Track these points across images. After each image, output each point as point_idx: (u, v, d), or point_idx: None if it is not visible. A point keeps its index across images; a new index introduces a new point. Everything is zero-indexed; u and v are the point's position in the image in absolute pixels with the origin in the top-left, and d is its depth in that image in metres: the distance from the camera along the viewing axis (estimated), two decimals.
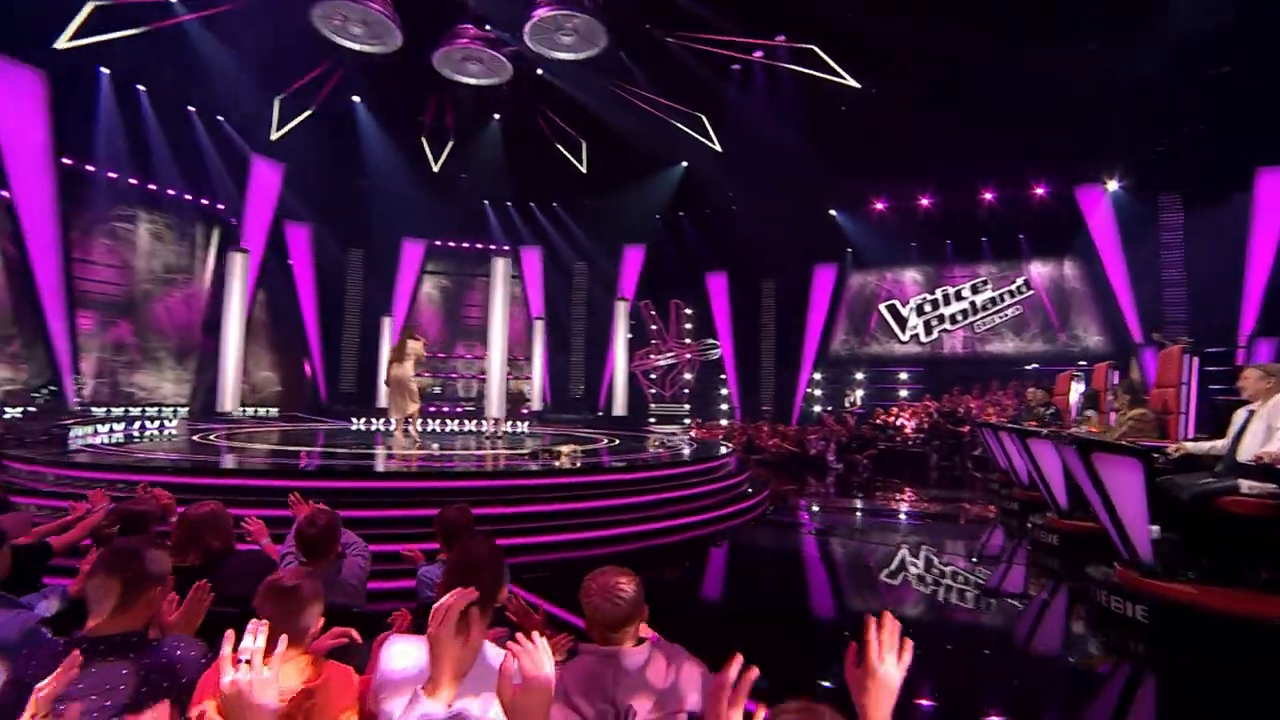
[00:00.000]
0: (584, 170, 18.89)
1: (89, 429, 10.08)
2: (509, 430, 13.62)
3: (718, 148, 17.07)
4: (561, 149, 18.01)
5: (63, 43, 12.62)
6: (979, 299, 17.82)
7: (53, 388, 13.95)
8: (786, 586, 5.67)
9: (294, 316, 19.16)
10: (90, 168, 15.56)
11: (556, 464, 7.41)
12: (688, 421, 19.63)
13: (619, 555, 5.68)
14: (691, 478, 7.37)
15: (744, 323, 20.40)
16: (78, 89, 13.70)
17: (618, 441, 11.42)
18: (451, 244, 21.58)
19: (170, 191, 16.91)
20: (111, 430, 10.70)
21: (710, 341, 20.62)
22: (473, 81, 13.91)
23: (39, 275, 13.27)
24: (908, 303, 18.67)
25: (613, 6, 12.13)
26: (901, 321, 18.68)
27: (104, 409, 15.48)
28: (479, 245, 21.77)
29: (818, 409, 18.87)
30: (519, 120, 16.91)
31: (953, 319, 18.08)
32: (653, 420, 20.37)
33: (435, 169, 18.71)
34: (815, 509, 9.42)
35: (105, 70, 14.22)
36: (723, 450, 9.43)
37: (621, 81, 14.82)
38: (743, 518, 7.55)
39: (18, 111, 12.80)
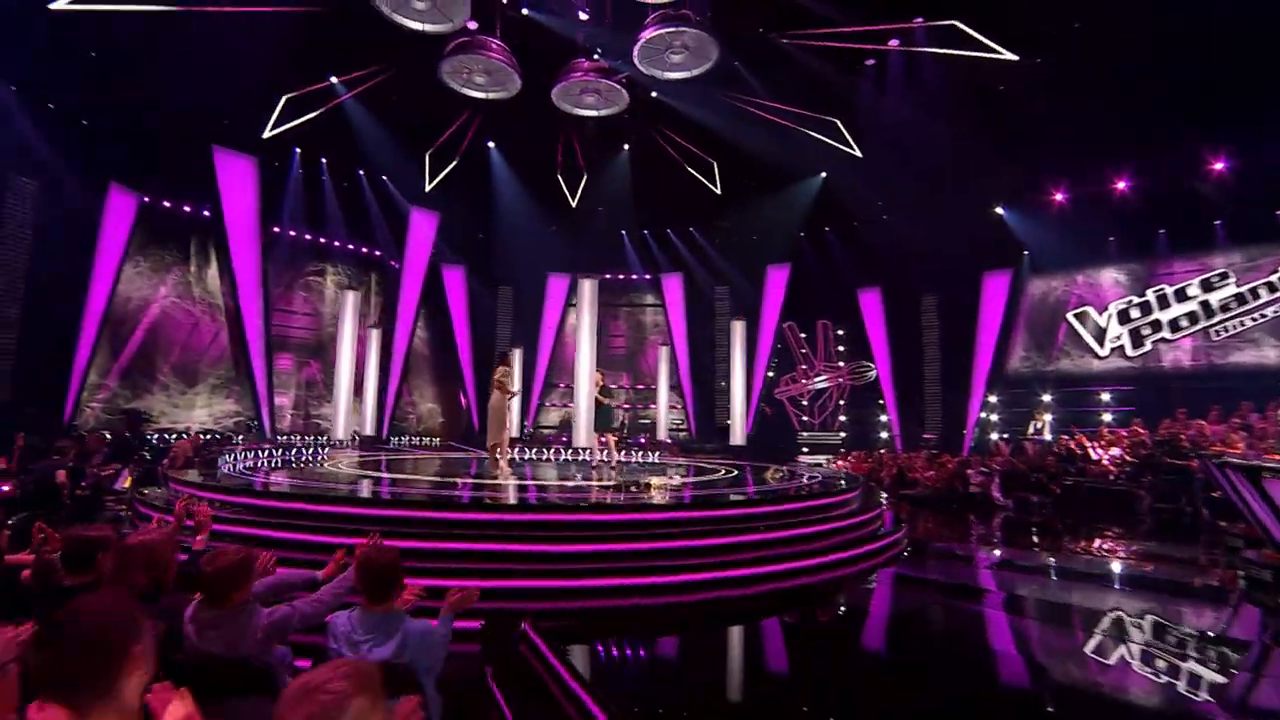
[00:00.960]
0: (718, 191, 18.37)
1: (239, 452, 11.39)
2: (625, 461, 13.25)
3: (857, 153, 15.65)
4: (692, 171, 17.67)
5: (267, 132, 14.90)
6: (1215, 298, 14.17)
7: (254, 420, 16.26)
8: (878, 675, 4.05)
9: (450, 352, 20.71)
10: (292, 232, 18.21)
11: (644, 497, 6.79)
12: (840, 450, 17.92)
13: (668, 607, 4.90)
14: (789, 517, 6.32)
15: (903, 342, 18.33)
16: (278, 167, 16.12)
17: (735, 473, 10.50)
18: (605, 276, 22.09)
19: (349, 246, 19.27)
20: (271, 454, 11.98)
21: (864, 364, 18.77)
22: (592, 114, 14.10)
23: (247, 325, 15.57)
24: (1105, 309, 15.46)
25: (723, 17, 11.60)
26: (1099, 332, 15.49)
27: (298, 436, 17.76)
28: (620, 276, 22.07)
29: (995, 436, 16.21)
30: (645, 147, 16.91)
31: (1174, 325, 14.58)
32: (805, 450, 18.91)
33: (573, 203, 19.32)
34: (963, 558, 7.71)
35: (297, 149, 16.60)
36: (841, 484, 8.13)
37: (742, 94, 14.16)
38: (863, 564, 6.30)
39: (237, 192, 15.32)
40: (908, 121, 14.36)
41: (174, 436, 15.61)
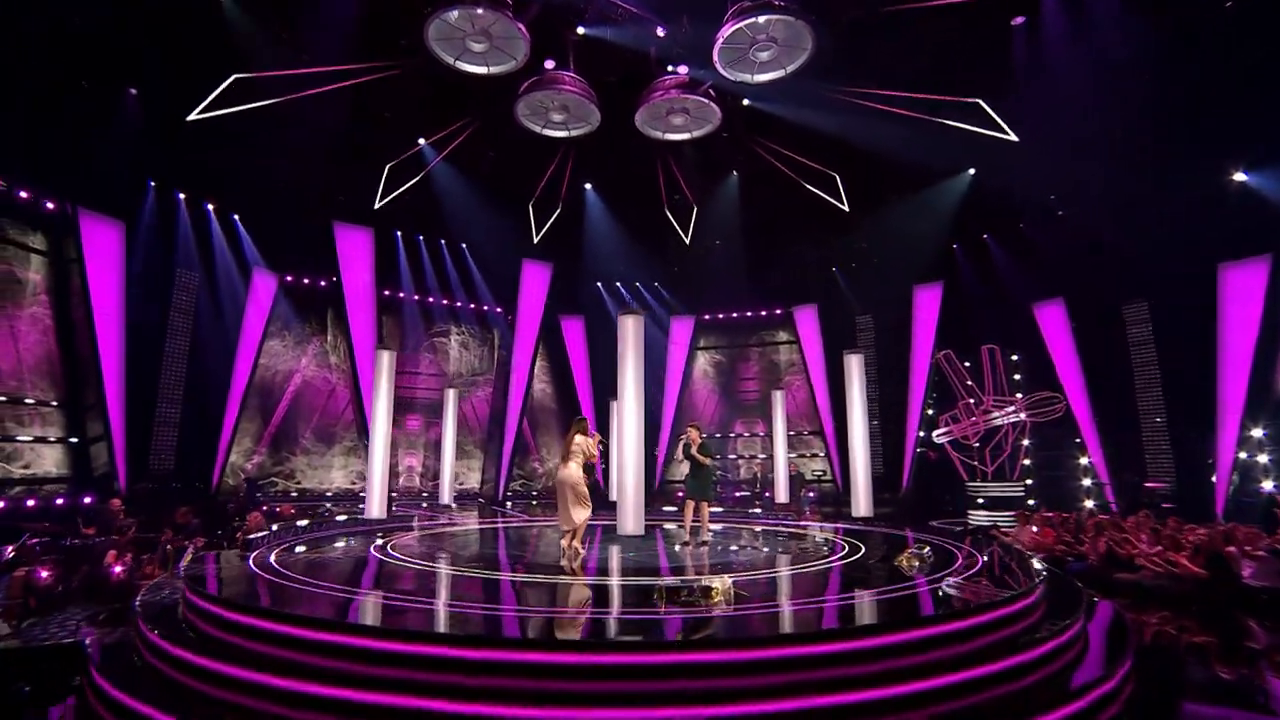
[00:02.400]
0: (844, 207, 16.06)
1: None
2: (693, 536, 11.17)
3: (1012, 137, 12.68)
4: (812, 188, 15.61)
5: (377, 203, 15.51)
6: None
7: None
8: None
9: (572, 405, 20.04)
10: (417, 296, 18.86)
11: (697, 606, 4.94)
12: (1027, 506, 14.19)
13: None
14: (892, 655, 4.04)
15: (1102, 364, 14.43)
16: (393, 236, 16.74)
17: (851, 550, 8.10)
18: (720, 315, 20.48)
19: (471, 305, 19.54)
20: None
21: (1050, 395, 14.99)
22: (683, 136, 12.81)
23: (364, 388, 16.01)
24: None
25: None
26: None
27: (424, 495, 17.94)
28: (748, 314, 20.24)
29: (1269, 487, 11.80)
30: (753, 166, 15.21)
31: None
32: (980, 504, 15.37)
33: (687, 240, 18.02)
34: None
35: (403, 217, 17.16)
36: (1005, 588, 5.54)
37: (854, 88, 12.06)
38: None
39: (355, 263, 16.08)
40: (1081, 86, 11.31)
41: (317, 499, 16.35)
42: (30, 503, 10.93)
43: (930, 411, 16.95)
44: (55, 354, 12.22)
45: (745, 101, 12.66)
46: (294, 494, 16.24)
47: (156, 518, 10.90)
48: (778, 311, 19.73)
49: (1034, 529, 10.44)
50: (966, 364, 15.86)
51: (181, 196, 13.67)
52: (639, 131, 12.68)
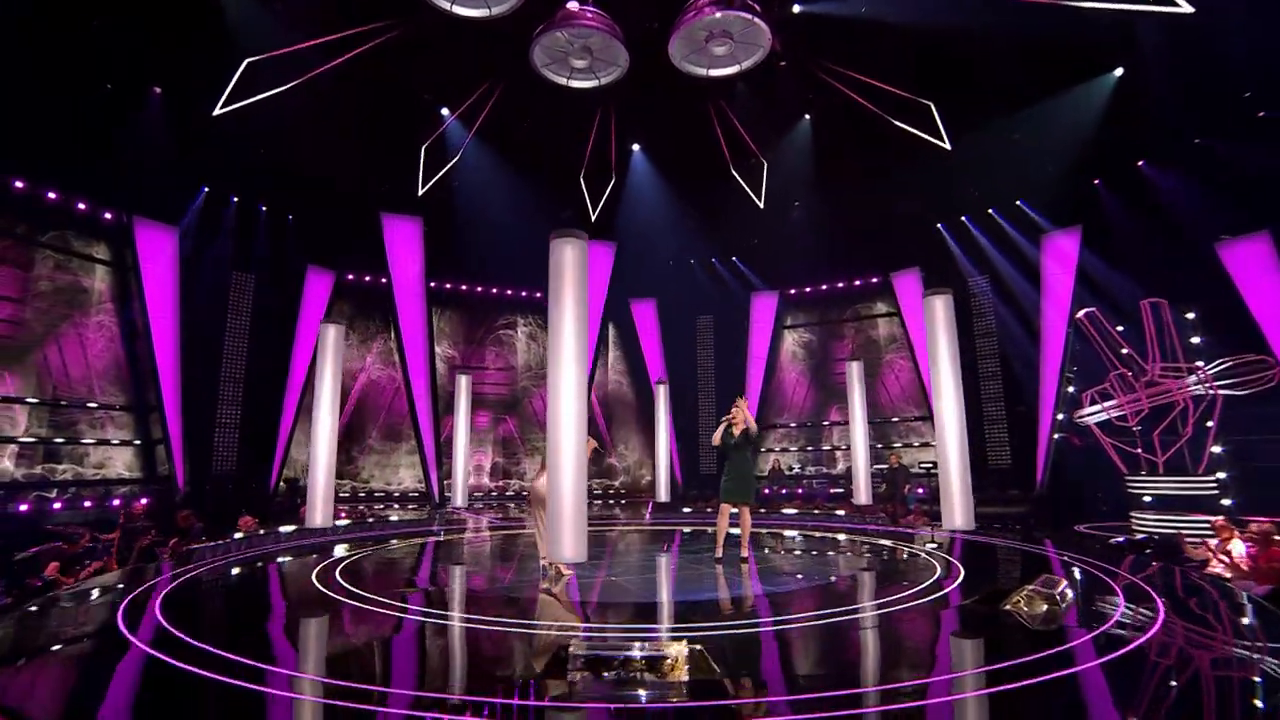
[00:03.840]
0: (945, 144, 13.24)
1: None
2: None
3: (1185, 7, 9.48)
4: (901, 125, 12.97)
5: (421, 189, 14.87)
6: None
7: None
8: None
9: (646, 396, 18.53)
10: (479, 287, 18.21)
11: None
12: (1221, 506, 10.75)
13: None
14: None
15: None
16: (443, 224, 16.06)
17: (966, 573, 5.89)
18: (808, 288, 18.10)
19: (537, 294, 18.57)
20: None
21: (1250, 360, 11.36)
22: (732, 70, 10.84)
23: (415, 387, 15.46)
24: None
25: None
26: None
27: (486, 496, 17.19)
28: (839, 285, 17.71)
29: None
30: (825, 102, 12.83)
31: None
32: (1146, 503, 12.00)
33: (760, 203, 15.87)
34: None
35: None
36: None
37: None
38: None
39: (404, 254, 15.58)
40: None
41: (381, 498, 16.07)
42: (87, 504, 11.16)
43: (1071, 389, 13.67)
44: (122, 359, 12.55)
45: (795, 8, 10.42)
46: (362, 494, 16.07)
47: (219, 519, 10.80)
48: (874, 280, 17.04)
49: (1242, 548, 7.17)
50: (1119, 326, 12.49)
51: (235, 200, 13.70)
52: (681, 76, 10.89)
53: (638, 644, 3.20)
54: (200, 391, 12.99)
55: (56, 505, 10.84)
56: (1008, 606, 4.31)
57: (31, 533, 8.99)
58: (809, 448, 17.40)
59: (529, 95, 11.95)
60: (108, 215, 12.24)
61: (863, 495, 12.12)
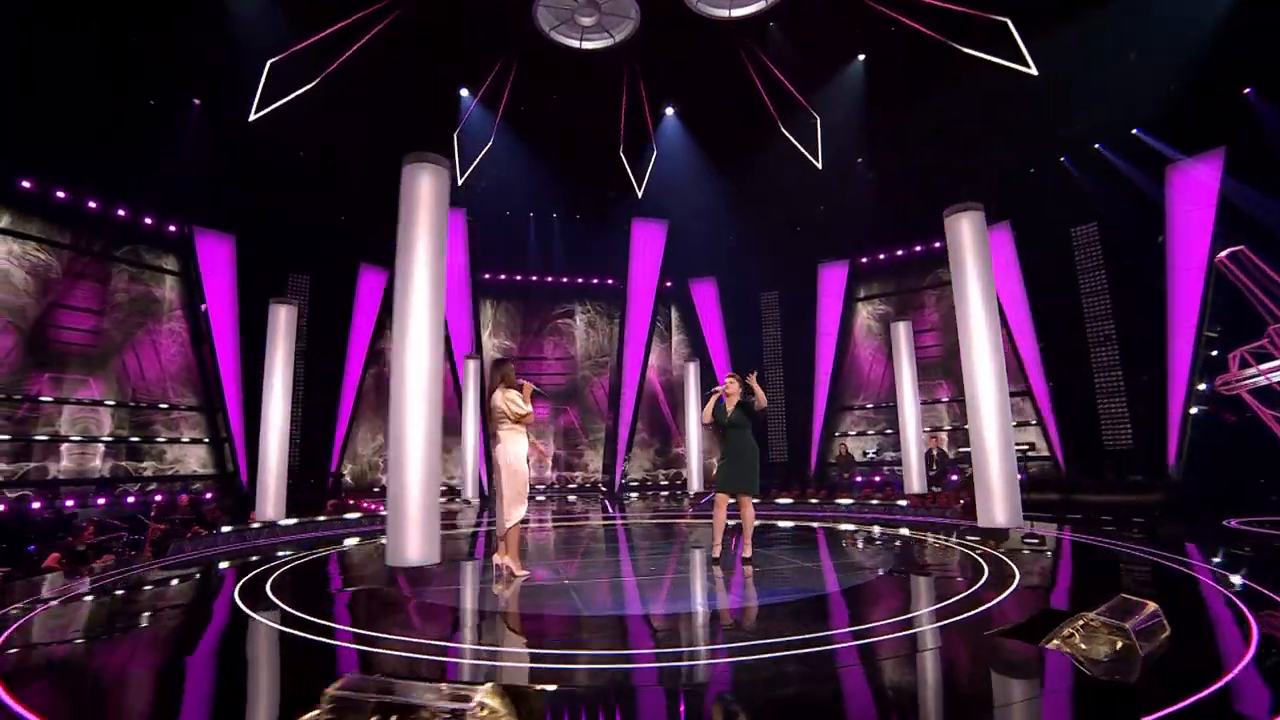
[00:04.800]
0: (1029, 69, 11.23)
1: None
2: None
3: None
4: (971, 51, 11.13)
5: (460, 180, 14.73)
6: None
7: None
8: None
9: (712, 380, 17.52)
10: (533, 276, 17.96)
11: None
12: None
13: None
14: None
15: None
16: (487, 214, 15.89)
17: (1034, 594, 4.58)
18: (880, 255, 16.31)
19: (594, 280, 18.10)
20: None
21: None
22: (757, 7, 9.66)
23: (462, 380, 15.36)
24: None
25: None
26: None
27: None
28: (916, 248, 15.80)
29: None
30: (876, 32, 11.23)
31: None
32: None
33: (819, 164, 14.36)
34: None
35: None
36: None
37: None
38: None
39: (449, 247, 15.51)
40: None
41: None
42: (158, 497, 11.88)
43: (1214, 351, 11.21)
44: (192, 363, 13.35)
45: None
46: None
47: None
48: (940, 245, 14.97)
49: None
50: (1267, 272, 10.01)
51: (286, 204, 14.17)
52: (704, 22, 9.87)
53: (440, 687, 2.41)
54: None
55: (130, 499, 11.61)
56: (1054, 642, 3.07)
57: (98, 525, 9.60)
58: (888, 430, 15.66)
59: (548, 67, 11.34)
60: (171, 228, 13.01)
61: (915, 482, 10.60)
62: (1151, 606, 3.22)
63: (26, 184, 11.20)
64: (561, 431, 17.75)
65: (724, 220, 16.27)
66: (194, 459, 13.22)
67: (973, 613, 3.89)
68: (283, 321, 8.96)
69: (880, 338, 16.29)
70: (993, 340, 7.24)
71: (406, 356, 4.58)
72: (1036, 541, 6.94)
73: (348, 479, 15.92)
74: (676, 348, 18.85)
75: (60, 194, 11.57)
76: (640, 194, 15.48)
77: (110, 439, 12.08)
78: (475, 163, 14.34)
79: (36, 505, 10.73)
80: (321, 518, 10.10)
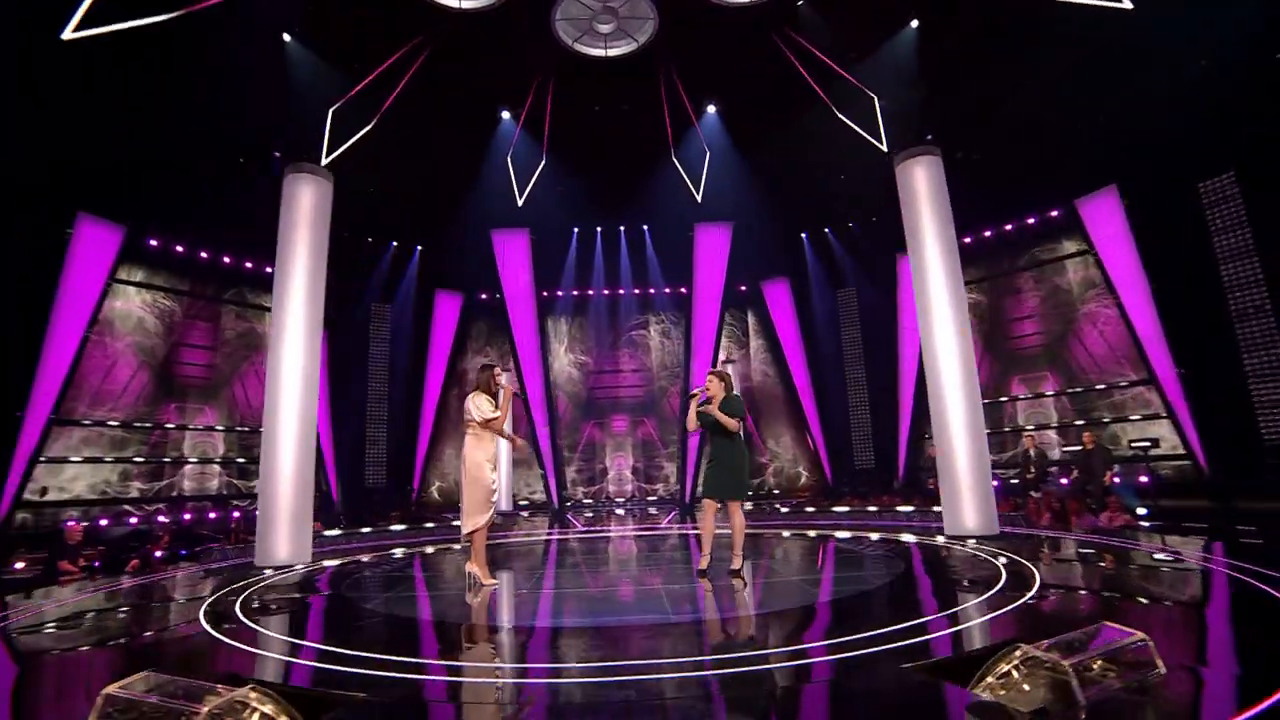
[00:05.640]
0: (1125, 2, 9.77)
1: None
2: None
3: None
4: None
5: (520, 200, 15.21)
6: None
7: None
8: None
9: (792, 386, 16.76)
10: (605, 290, 18.13)
11: None
12: None
13: None
14: None
15: None
16: (549, 232, 16.24)
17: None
18: (966, 238, 14.78)
19: (666, 290, 17.98)
20: None
21: None
22: None
23: (530, 394, 15.68)
24: None
25: None
26: None
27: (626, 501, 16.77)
28: (1007, 227, 14.25)
29: None
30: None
31: None
32: None
33: (884, 146, 13.35)
34: None
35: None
36: None
37: None
38: None
39: (515, 267, 16.05)
40: None
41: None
42: (235, 514, 13.06)
43: None
44: None
45: None
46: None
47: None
48: (1053, 213, 13.32)
49: None
50: None
51: (369, 239, 15.33)
52: (725, 11, 9.53)
53: (216, 687, 2.35)
54: (350, 413, 14.61)
55: (235, 514, 12.87)
56: (983, 685, 2.48)
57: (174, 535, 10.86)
58: (986, 430, 14.09)
59: (583, 80, 11.45)
60: (268, 269, 14.41)
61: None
62: (1137, 636, 2.53)
63: (154, 242, 12.92)
64: (640, 443, 17.65)
65: (788, 217, 15.58)
66: None
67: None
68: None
69: (976, 330, 14.76)
70: (956, 314, 6.52)
71: (281, 377, 4.68)
72: (1169, 562, 5.73)
73: (435, 495, 16.76)
74: (756, 353, 18.22)
75: (179, 248, 13.24)
76: (699, 197, 15.17)
77: (221, 461, 13.52)
78: (531, 183, 14.72)
79: (164, 520, 12.20)
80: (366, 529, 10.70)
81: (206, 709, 2.27)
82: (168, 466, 13.01)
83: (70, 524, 10.06)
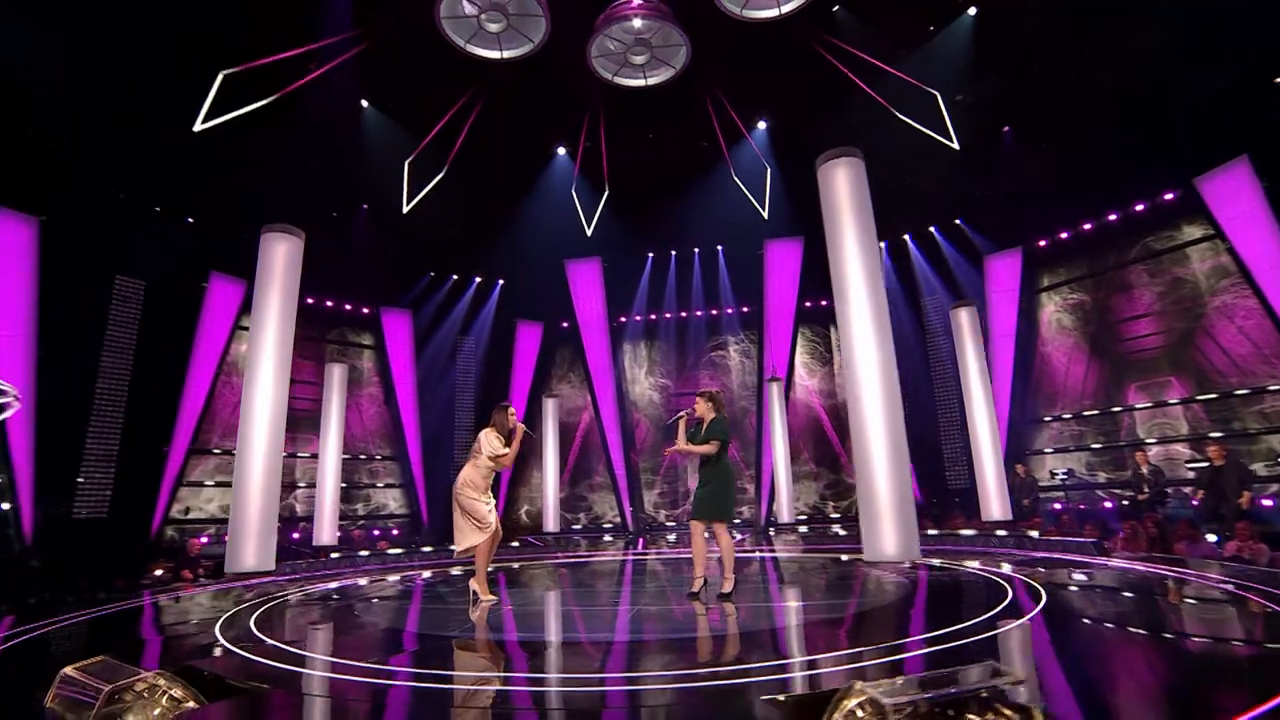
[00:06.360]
0: None
1: None
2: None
3: None
4: None
5: (588, 231, 15.72)
6: None
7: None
8: None
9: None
10: (683, 313, 18.22)
11: None
12: None
13: None
14: None
15: None
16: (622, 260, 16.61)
17: None
18: (1062, 233, 13.46)
19: (744, 309, 17.76)
20: None
21: None
22: None
23: (605, 421, 15.95)
24: None
25: None
26: None
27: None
28: (1110, 217, 12.76)
29: None
30: None
31: None
32: None
33: (954, 144, 12.49)
34: None
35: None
36: None
37: None
38: None
39: (587, 295, 16.54)
40: None
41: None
42: (362, 532, 14.22)
43: None
44: (388, 421, 15.95)
45: None
46: (576, 525, 17.07)
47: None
48: (1166, 195, 11.75)
49: None
50: None
51: (453, 277, 16.49)
52: (757, 30, 9.47)
53: (148, 674, 2.64)
54: (435, 440, 15.61)
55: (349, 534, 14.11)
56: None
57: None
58: (1095, 445, 12.51)
59: (631, 110, 11.77)
60: (365, 310, 15.91)
61: (994, 507, 8.64)
62: (1011, 676, 2.19)
63: None
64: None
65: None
66: (392, 501, 15.63)
67: None
68: (338, 379, 10.57)
69: (1078, 332, 13.28)
70: (878, 326, 6.05)
71: (254, 400, 5.12)
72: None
73: (524, 518, 17.41)
74: (839, 369, 17.46)
75: None
76: (765, 214, 14.93)
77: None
78: (597, 213, 15.19)
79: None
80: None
81: (108, 687, 2.58)
82: (283, 489, 14.54)
83: (193, 540, 11.55)
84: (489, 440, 5.70)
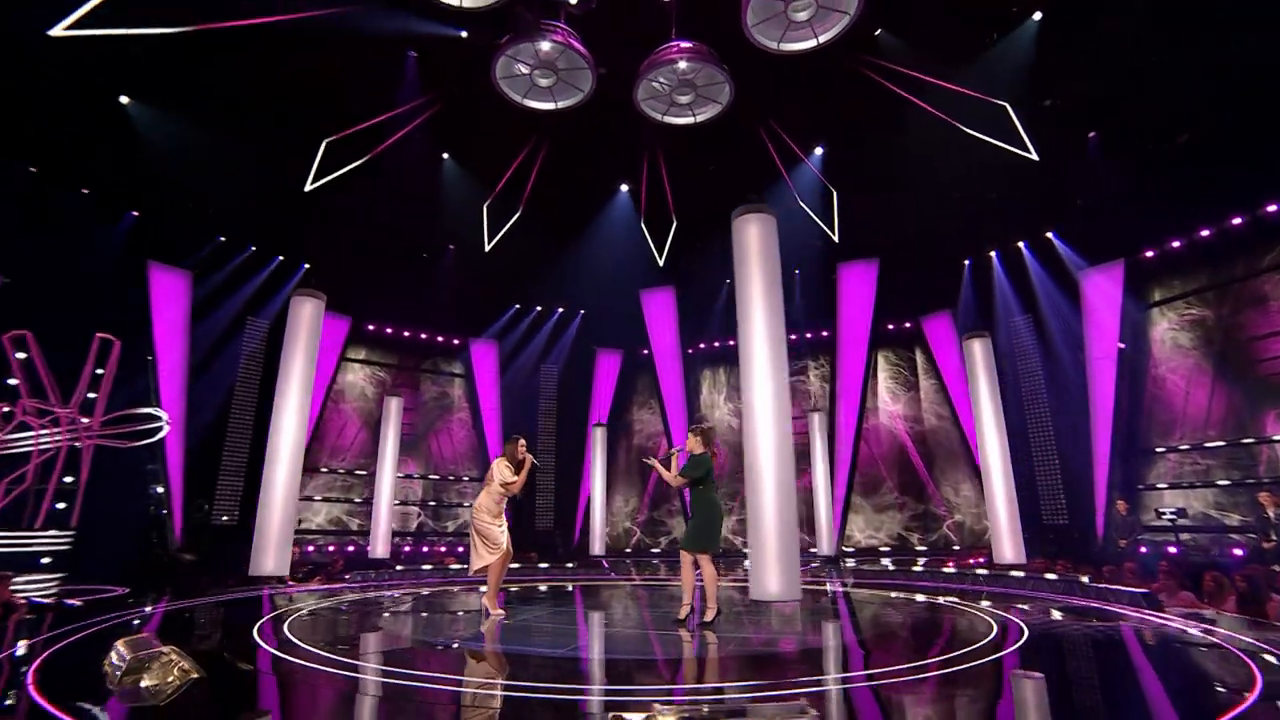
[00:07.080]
0: None
1: None
2: None
3: None
4: None
5: (660, 261, 16.15)
6: None
7: None
8: None
9: (959, 427, 14.88)
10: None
11: None
12: None
13: None
14: None
15: None
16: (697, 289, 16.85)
17: None
18: (1173, 242, 12.09)
19: (823, 332, 17.39)
20: None
21: None
22: (839, 29, 8.97)
23: (674, 434, 16.05)
24: None
25: None
26: None
27: None
28: (1231, 221, 11.35)
29: None
30: None
31: None
32: None
33: (1034, 154, 11.68)
34: None
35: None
36: None
37: None
38: None
39: (661, 324, 16.89)
40: None
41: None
42: (424, 548, 15.23)
43: None
44: (475, 444, 17.06)
45: None
46: (656, 549, 17.19)
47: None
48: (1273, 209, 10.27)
49: None
50: None
51: (537, 308, 17.48)
52: (799, 61, 9.54)
53: (165, 648, 3.26)
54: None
55: (424, 548, 15.20)
56: None
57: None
58: (1222, 480, 10.94)
59: (686, 143, 12.13)
60: (455, 341, 17.22)
61: (1007, 548, 7.89)
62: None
63: (370, 327, 16.32)
64: (802, 490, 16.91)
65: (938, 247, 14.21)
66: None
67: None
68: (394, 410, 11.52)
69: (1198, 351, 11.80)
70: (775, 372, 5.98)
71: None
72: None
73: (608, 541, 17.84)
74: (926, 394, 16.56)
75: (388, 330, 16.52)
76: (836, 238, 14.65)
77: (419, 503, 16.15)
78: (667, 244, 15.60)
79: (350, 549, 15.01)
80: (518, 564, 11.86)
81: (134, 655, 3.29)
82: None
83: (297, 549, 12.95)
84: (500, 469, 6.18)
